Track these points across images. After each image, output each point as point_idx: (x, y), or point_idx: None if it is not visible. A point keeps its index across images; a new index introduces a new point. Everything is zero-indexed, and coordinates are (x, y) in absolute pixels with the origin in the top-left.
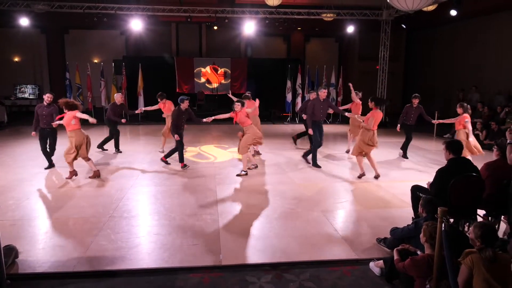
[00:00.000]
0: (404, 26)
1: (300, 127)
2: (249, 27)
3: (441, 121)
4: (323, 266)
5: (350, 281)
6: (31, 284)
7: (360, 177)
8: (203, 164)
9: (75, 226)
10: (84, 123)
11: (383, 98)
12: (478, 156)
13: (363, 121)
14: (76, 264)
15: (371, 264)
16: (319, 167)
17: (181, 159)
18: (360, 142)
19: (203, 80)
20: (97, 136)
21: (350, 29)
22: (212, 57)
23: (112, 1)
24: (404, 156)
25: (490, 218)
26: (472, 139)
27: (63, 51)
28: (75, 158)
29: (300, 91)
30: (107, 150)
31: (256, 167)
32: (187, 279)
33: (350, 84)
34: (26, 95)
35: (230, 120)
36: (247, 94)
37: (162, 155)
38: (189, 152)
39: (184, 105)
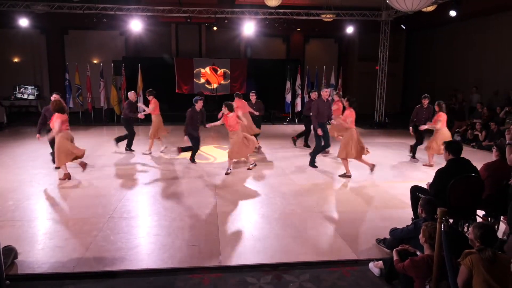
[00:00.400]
0: (404, 27)
1: (300, 128)
2: (249, 28)
3: (426, 126)
4: (323, 266)
5: (350, 281)
6: (31, 285)
7: (343, 176)
8: (202, 164)
9: (74, 226)
10: (75, 124)
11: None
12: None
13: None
14: (75, 265)
15: (371, 264)
16: (315, 167)
17: (192, 159)
18: (348, 143)
19: (202, 80)
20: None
21: (350, 29)
22: (211, 58)
23: (111, 1)
24: (413, 157)
25: (489, 218)
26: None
27: (62, 52)
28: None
29: (299, 91)
30: (133, 150)
31: (255, 165)
32: (186, 280)
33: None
34: (26, 96)
35: None
36: (238, 92)
37: (162, 155)
38: (189, 153)
39: (199, 105)
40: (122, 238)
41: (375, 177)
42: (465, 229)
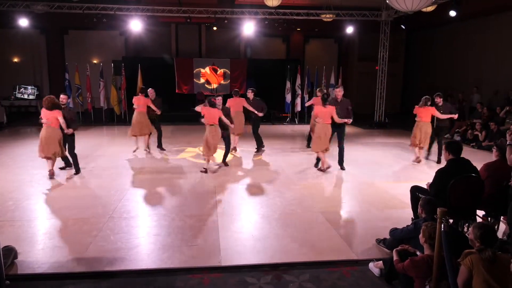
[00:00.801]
0: (404, 27)
1: (301, 128)
2: (249, 28)
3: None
4: (323, 266)
5: (350, 281)
6: (30, 285)
7: (321, 170)
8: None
9: (74, 226)
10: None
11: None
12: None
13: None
14: (75, 265)
15: (371, 264)
16: (343, 169)
17: (224, 159)
18: (318, 138)
19: (202, 80)
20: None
21: (350, 29)
22: (211, 58)
23: (111, 1)
24: (427, 157)
25: (489, 218)
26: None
27: (62, 52)
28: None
29: (299, 91)
30: (165, 150)
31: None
32: (186, 280)
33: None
34: (26, 96)
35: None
36: (236, 90)
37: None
38: (188, 153)
39: (218, 102)
40: (122, 238)
41: (375, 177)
42: (465, 229)
